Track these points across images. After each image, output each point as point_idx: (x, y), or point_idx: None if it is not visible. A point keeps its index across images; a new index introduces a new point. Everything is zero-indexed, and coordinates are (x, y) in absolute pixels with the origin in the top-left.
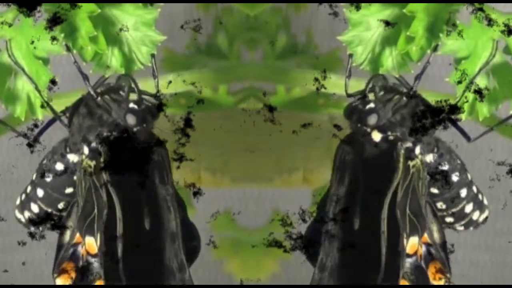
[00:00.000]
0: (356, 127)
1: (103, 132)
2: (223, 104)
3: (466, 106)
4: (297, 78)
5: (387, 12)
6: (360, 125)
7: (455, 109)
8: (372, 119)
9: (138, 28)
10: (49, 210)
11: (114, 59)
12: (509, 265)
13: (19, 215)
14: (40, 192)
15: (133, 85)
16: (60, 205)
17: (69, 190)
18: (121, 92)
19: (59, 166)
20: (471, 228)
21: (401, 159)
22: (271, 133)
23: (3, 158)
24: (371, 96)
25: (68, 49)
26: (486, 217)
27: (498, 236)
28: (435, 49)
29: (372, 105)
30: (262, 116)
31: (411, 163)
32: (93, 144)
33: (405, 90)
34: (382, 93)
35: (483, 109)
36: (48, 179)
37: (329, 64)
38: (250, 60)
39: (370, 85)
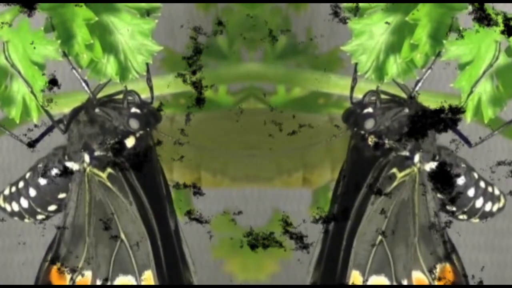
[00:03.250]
0: (353, 131)
1: (106, 140)
2: (223, 104)
3: (470, 108)
4: (297, 78)
5: (389, 19)
6: (356, 129)
7: (456, 109)
8: (369, 124)
9: (135, 37)
10: (38, 210)
11: (109, 66)
12: (509, 265)
13: (2, 203)
14: (32, 192)
15: (136, 99)
16: (50, 208)
17: (62, 195)
18: (117, 104)
19: (55, 172)
20: (488, 218)
21: (385, 169)
22: (271, 133)
23: (3, 158)
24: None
25: (65, 55)
26: (503, 205)
27: (498, 236)
28: (438, 54)
29: (370, 110)
30: (263, 117)
31: (400, 174)
32: (97, 153)
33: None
34: (383, 104)
35: (488, 110)
36: (42, 182)
37: (329, 64)
38: (250, 60)
39: (366, 100)
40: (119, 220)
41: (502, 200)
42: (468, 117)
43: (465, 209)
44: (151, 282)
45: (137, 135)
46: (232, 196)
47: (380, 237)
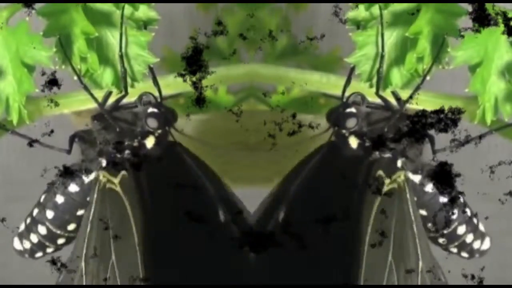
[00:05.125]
0: (334, 130)
1: (125, 143)
2: (223, 104)
3: (489, 109)
4: (297, 78)
5: (394, 33)
6: (338, 127)
7: (456, 110)
8: (350, 122)
9: (132, 48)
10: (58, 232)
11: (105, 76)
12: (509, 265)
13: (18, 245)
14: (50, 214)
15: (152, 99)
16: (70, 227)
17: (80, 212)
18: (131, 107)
19: (73, 188)
20: (465, 254)
21: (372, 169)
22: (271, 133)
23: (3, 158)
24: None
25: (75, 71)
26: (487, 249)
27: (498, 236)
28: (433, 64)
29: (353, 109)
30: (263, 117)
31: (387, 179)
32: (118, 155)
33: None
34: (369, 107)
35: (506, 107)
36: (60, 201)
37: (329, 64)
38: (250, 60)
39: (350, 100)
40: None
41: (487, 241)
42: (488, 118)
43: (446, 232)
44: None
45: (156, 134)
46: None
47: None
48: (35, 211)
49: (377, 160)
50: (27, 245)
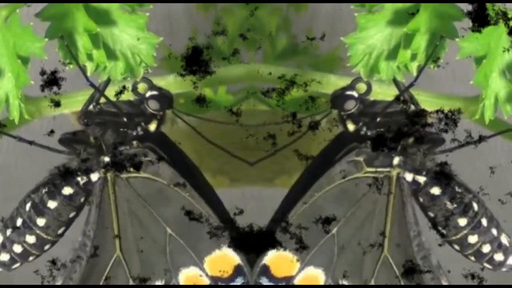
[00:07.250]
0: (334, 111)
1: (127, 133)
2: (223, 104)
3: (488, 107)
4: (297, 78)
5: (391, 26)
6: (336, 109)
7: (456, 110)
8: (349, 105)
9: (134, 31)
10: (49, 238)
11: (118, 68)
12: None
13: None
14: (41, 221)
15: (149, 83)
16: (60, 231)
17: (72, 214)
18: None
19: (67, 191)
20: (488, 265)
21: (351, 153)
22: (271, 133)
23: (3, 158)
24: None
25: (80, 67)
26: (505, 260)
27: None
28: (428, 59)
29: (354, 93)
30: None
31: (366, 167)
32: (122, 148)
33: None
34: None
35: (506, 107)
36: (52, 206)
37: (329, 64)
38: (250, 60)
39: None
40: (161, 210)
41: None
42: (486, 117)
43: (454, 238)
44: (223, 261)
45: (158, 116)
46: (232, 196)
47: (335, 229)
48: (19, 222)
49: (364, 148)
50: (5, 257)
